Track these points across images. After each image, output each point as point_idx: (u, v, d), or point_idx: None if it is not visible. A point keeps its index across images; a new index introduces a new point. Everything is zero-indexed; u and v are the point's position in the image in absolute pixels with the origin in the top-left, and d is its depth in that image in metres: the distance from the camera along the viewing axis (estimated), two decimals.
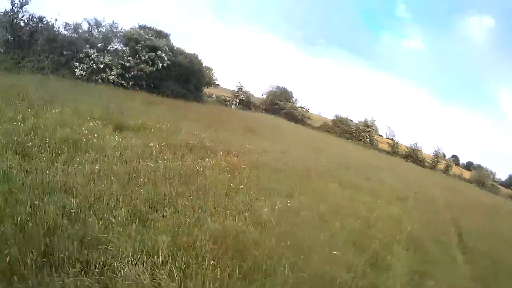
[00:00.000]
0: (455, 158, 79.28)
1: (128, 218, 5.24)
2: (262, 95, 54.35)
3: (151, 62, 26.75)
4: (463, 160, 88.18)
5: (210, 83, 49.85)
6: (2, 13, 22.21)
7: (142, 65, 26.12)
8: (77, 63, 23.12)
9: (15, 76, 17.63)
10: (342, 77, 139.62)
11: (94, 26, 27.35)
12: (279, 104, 50.31)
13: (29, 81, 16.58)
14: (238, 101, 46.38)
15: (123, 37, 27.66)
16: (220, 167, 9.49)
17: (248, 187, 8.28)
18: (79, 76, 22.90)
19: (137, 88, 26.43)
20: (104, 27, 27.90)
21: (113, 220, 4.88)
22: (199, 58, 37.32)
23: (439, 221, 12.55)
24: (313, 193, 9.78)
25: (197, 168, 8.62)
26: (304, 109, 52.75)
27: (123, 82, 25.64)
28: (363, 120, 52.20)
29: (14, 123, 8.70)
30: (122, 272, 3.83)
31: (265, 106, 51.17)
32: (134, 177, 6.97)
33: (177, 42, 50.43)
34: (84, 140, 8.67)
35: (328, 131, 49.78)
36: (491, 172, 57.30)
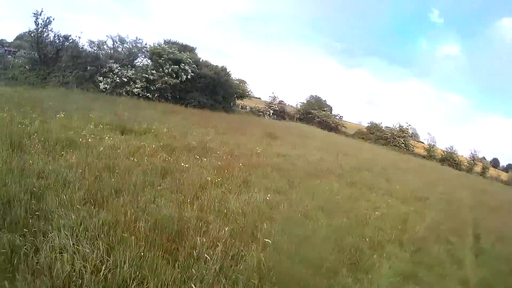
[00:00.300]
0: (495, 161, 75.62)
1: (87, 200, 5.81)
2: (296, 104, 55.53)
3: (174, 75, 28.45)
4: (503, 163, 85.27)
5: (244, 95, 51.09)
6: (27, 33, 24.49)
7: (166, 78, 27.85)
8: (101, 77, 25.24)
9: (39, 90, 19.49)
10: (379, 85, 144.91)
11: (118, 43, 29.47)
12: (312, 113, 51.75)
13: (51, 93, 18.49)
14: (271, 111, 47.68)
15: (147, 51, 29.73)
16: (210, 165, 9.86)
17: (230, 182, 8.56)
18: (103, 90, 24.93)
19: (162, 100, 28.10)
20: (128, 43, 30.33)
21: (64, 197, 5.54)
22: (227, 70, 38.87)
23: (457, 222, 11.85)
24: (308, 191, 9.73)
25: (183, 164, 9.01)
26: (337, 117, 53.95)
27: (148, 94, 27.47)
28: (397, 125, 52.87)
29: (19, 125, 9.68)
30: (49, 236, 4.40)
31: (298, 115, 52.42)
32: (111, 169, 7.51)
33: (204, 55, 52.60)
34: (80, 140, 9.45)
35: (363, 138, 50.76)
36: None
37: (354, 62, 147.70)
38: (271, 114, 47.35)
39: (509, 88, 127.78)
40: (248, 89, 54.13)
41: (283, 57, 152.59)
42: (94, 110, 15.51)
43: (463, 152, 53.13)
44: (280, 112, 49.42)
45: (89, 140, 9.65)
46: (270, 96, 52.01)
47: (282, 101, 52.10)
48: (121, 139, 11.03)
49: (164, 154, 9.98)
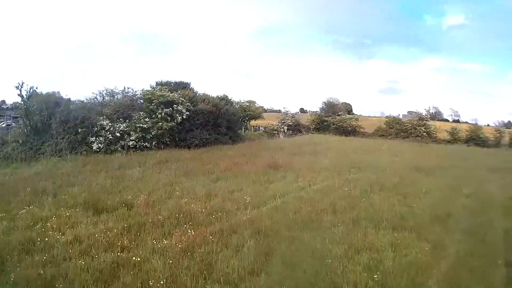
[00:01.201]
0: None
1: None
2: (310, 113, 57.07)
3: (169, 118, 29.08)
4: None
5: (255, 116, 51.78)
6: (12, 105, 25.72)
7: (160, 123, 28.48)
8: (93, 138, 26.12)
9: (30, 166, 20.75)
10: (396, 71, 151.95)
11: (107, 97, 31.37)
12: (327, 120, 54.04)
13: (40, 167, 19.99)
14: (286, 127, 48.01)
15: (137, 99, 31.10)
16: (172, 249, 9.50)
17: (181, 276, 8.09)
18: (97, 150, 25.73)
19: (162, 146, 28.86)
20: (118, 94, 31.96)
21: None
22: (228, 97, 40.13)
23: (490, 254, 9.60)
24: (285, 261, 8.82)
25: (134, 258, 8.77)
26: (353, 119, 55.20)
27: (145, 143, 28.14)
28: (416, 112, 54.90)
29: None
30: None
31: (314, 125, 54.50)
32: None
33: (201, 87, 54.91)
34: (39, 240, 9.78)
35: (383, 135, 51.87)
36: None
37: (366, 53, 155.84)
38: (286, 130, 47.55)
39: None
40: (257, 106, 54.87)
41: (296, 65, 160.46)
42: (75, 185, 16.03)
43: (488, 121, 53.58)
44: (295, 126, 49.85)
45: (46, 239, 9.85)
46: (282, 112, 53.11)
47: (295, 114, 53.11)
48: (86, 224, 11.19)
49: (126, 241, 9.93)
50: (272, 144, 35.81)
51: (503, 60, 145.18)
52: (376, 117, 73.84)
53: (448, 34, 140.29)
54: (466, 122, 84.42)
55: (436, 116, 71.58)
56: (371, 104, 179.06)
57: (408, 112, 55.64)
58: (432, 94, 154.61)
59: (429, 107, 55.15)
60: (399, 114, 56.56)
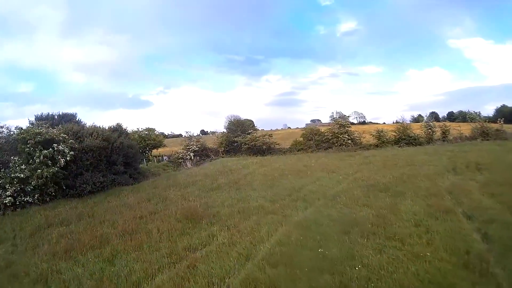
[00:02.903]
0: (434, 115, 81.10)
1: None
2: (217, 135, 56.51)
3: (50, 162, 24.91)
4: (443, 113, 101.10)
5: (156, 144, 49.93)
6: None
7: (39, 170, 24.19)
8: None
9: None
10: (292, 83, 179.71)
11: None
12: (238, 141, 51.91)
13: None
14: (192, 154, 46.45)
15: (13, 141, 26.19)
16: None
17: None
18: None
19: (48, 199, 24.77)
20: None
21: None
22: (123, 126, 37.41)
23: None
24: None
25: None
26: (267, 136, 52.91)
27: (26, 198, 23.84)
28: (332, 117, 56.93)
29: None
30: None
31: (223, 148, 52.71)
32: None
33: (90, 118, 52.25)
34: None
35: (302, 149, 49.94)
36: (476, 113, 54.47)
37: (261, 68, 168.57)
38: (192, 157, 45.90)
39: (417, 42, 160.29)
40: (157, 133, 52.96)
41: (192, 87, 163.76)
42: None
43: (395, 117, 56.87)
44: (202, 151, 48.34)
45: None
46: (184, 136, 51.99)
47: (200, 137, 52.29)
48: None
49: None
50: (181, 178, 31.35)
51: (398, 59, 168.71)
52: (280, 130, 76.95)
53: (342, 41, 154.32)
54: (371, 122, 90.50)
55: (341, 118, 76.25)
56: (272, 118, 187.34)
57: (311, 120, 57.36)
58: (332, 100, 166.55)
59: (333, 112, 56.52)
60: (317, 124, 57.46)
